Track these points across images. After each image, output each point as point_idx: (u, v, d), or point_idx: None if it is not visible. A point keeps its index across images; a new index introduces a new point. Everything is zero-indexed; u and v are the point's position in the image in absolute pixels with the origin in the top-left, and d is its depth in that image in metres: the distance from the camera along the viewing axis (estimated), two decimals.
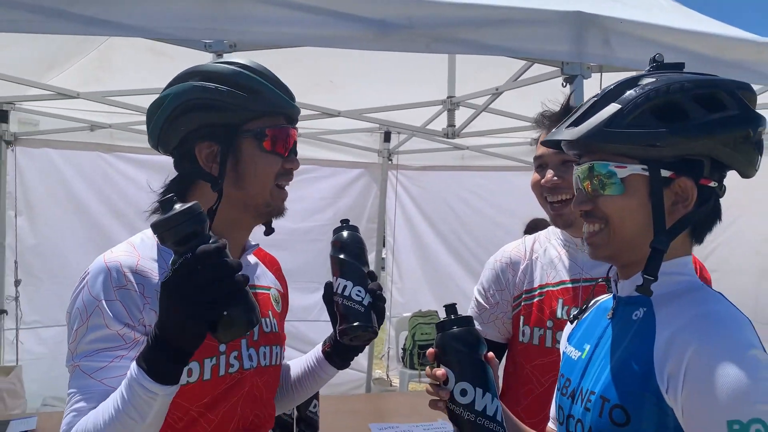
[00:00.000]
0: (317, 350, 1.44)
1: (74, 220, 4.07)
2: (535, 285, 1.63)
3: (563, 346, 1.16)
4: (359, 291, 1.25)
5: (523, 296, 1.64)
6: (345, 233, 1.36)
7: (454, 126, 3.51)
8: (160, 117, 1.18)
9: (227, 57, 1.47)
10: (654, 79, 0.94)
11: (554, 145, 1.03)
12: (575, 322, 1.13)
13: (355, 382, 4.61)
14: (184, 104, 1.15)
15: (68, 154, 4.03)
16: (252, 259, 1.38)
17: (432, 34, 2.13)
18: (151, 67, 3.27)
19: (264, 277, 1.37)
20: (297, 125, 1.29)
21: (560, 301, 1.57)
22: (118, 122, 3.90)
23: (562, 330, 1.28)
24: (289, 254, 4.37)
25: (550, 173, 1.56)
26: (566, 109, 1.59)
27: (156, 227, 0.90)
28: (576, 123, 0.96)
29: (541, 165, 1.61)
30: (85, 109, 3.68)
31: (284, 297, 1.44)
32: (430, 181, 4.81)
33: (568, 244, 1.63)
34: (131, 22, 1.98)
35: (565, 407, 1.04)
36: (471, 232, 4.81)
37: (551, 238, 1.68)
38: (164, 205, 0.91)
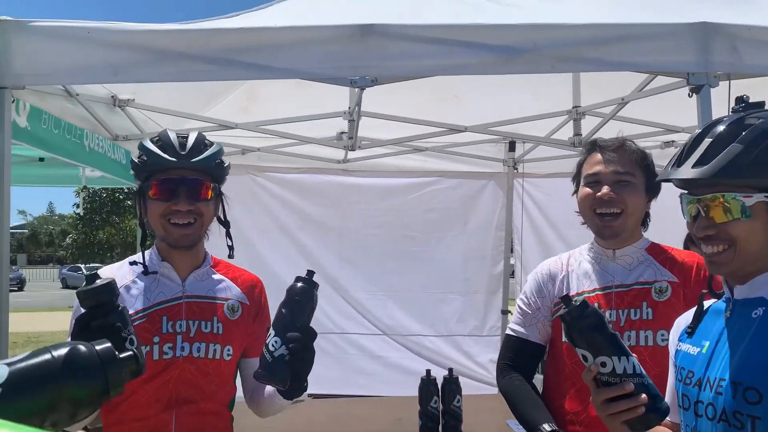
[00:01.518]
0: None
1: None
2: (572, 293, 1.86)
3: (674, 345, 1.35)
4: (276, 342, 1.47)
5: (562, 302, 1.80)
6: (296, 285, 1.54)
7: (581, 135, 3.58)
8: None
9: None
10: (759, 119, 1.14)
11: (682, 183, 1.22)
12: (694, 327, 1.27)
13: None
14: (131, 168, 1.78)
15: None
16: (216, 275, 1.82)
17: (556, 55, 2.26)
18: (294, 97, 3.64)
19: (226, 291, 1.78)
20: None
21: (596, 305, 1.73)
22: (265, 146, 4.31)
23: None
24: (424, 264, 4.62)
25: (606, 188, 1.78)
26: (623, 141, 1.86)
27: (78, 295, 1.28)
28: (701, 162, 1.15)
29: (595, 182, 1.82)
30: (238, 135, 4.12)
31: (247, 308, 1.80)
32: (556, 188, 4.83)
33: (599, 256, 1.88)
34: (287, 65, 2.28)
35: (692, 395, 1.22)
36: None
37: (584, 253, 1.94)
38: (88, 278, 1.29)
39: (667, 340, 1.46)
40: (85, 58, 2.23)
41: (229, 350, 1.73)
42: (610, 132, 3.71)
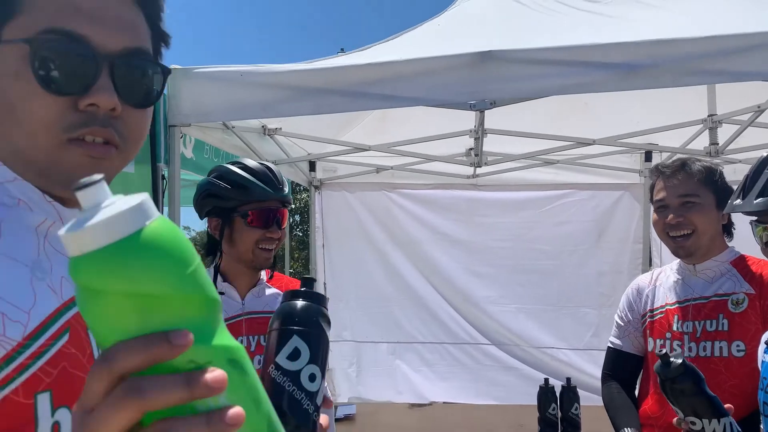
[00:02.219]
0: None
1: (365, 248, 4.81)
2: (657, 306, 2.00)
3: (761, 356, 1.38)
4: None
5: (647, 315, 1.97)
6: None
7: (717, 144, 3.45)
8: (194, 197, 1.88)
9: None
10: None
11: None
12: None
13: None
14: (203, 192, 1.85)
15: (359, 194, 4.80)
16: (270, 290, 1.89)
17: (678, 69, 2.26)
18: (423, 118, 3.85)
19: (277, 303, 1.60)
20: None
21: (675, 317, 1.93)
22: (398, 164, 4.56)
23: (679, 339, 1.74)
24: (555, 278, 4.61)
25: (671, 215, 1.86)
26: (683, 164, 1.94)
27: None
28: (762, 194, 1.25)
29: (662, 207, 1.90)
30: (372, 155, 4.40)
31: None
32: None
33: (683, 271, 1.98)
34: (412, 94, 2.47)
35: None
36: (741, 246, 4.52)
37: (673, 268, 2.04)
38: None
39: (743, 351, 1.48)
40: (238, 97, 2.57)
41: None
42: (748, 140, 3.57)
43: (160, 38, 0.78)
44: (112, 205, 0.42)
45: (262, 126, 3.64)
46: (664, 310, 1.98)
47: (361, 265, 4.75)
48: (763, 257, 1.93)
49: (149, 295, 0.42)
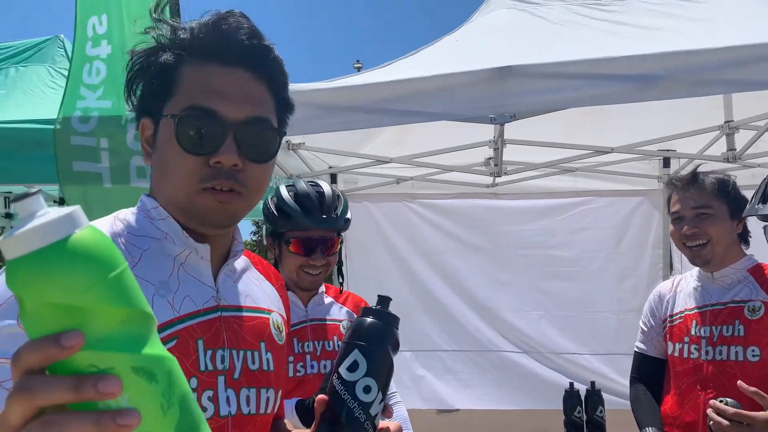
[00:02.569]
0: None
1: (386, 258, 4.87)
2: (677, 311, 2.11)
3: None
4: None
5: (668, 320, 2.07)
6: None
7: (735, 150, 3.48)
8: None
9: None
10: None
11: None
12: None
13: None
14: (263, 212, 1.96)
15: (380, 204, 4.88)
16: (327, 299, 1.93)
17: (692, 80, 2.31)
18: (442, 129, 3.91)
19: (338, 313, 1.53)
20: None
21: (694, 321, 2.04)
22: (417, 175, 4.63)
23: (697, 343, 1.86)
24: (576, 284, 4.66)
25: (686, 227, 1.94)
26: (695, 176, 2.02)
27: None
28: None
29: (678, 218, 1.98)
30: (392, 166, 4.48)
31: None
32: None
33: (702, 278, 2.07)
34: (433, 110, 2.55)
35: None
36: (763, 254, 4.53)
37: (693, 275, 2.14)
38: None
39: (758, 356, 1.55)
40: None
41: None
42: (765, 145, 3.59)
43: (285, 107, 0.99)
44: (43, 216, 0.46)
45: (286, 141, 3.74)
46: (683, 315, 2.08)
47: (384, 275, 4.82)
48: None
49: (61, 303, 0.45)
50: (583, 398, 2.50)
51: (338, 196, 1.95)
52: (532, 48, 2.80)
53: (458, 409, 3.80)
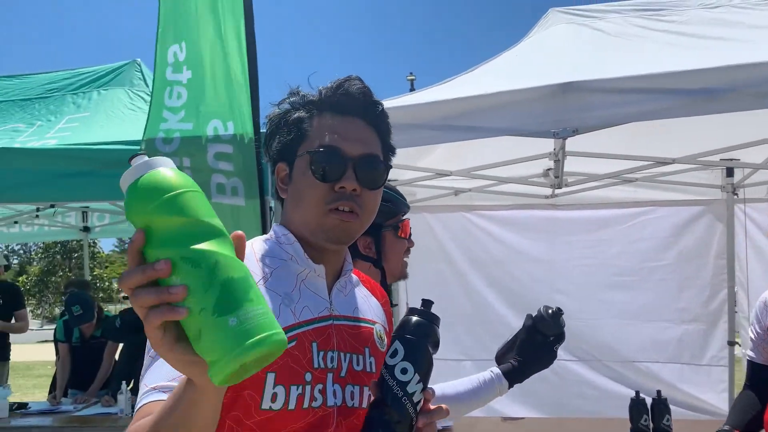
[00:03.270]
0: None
1: (445, 268, 4.94)
2: None
3: None
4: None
5: None
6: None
7: None
8: None
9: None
10: None
11: None
12: None
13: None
14: None
15: (438, 216, 4.97)
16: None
17: (757, 93, 2.33)
18: (500, 142, 3.98)
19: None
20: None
21: None
22: (475, 186, 4.70)
23: None
24: (637, 294, 4.63)
25: None
26: None
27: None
28: None
29: None
30: (450, 178, 4.56)
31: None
32: None
33: None
34: (497, 125, 2.64)
35: None
36: None
37: None
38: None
39: None
40: None
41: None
42: None
43: (388, 150, 1.22)
44: (141, 162, 0.73)
45: None
46: None
47: (442, 286, 4.88)
48: None
49: (141, 215, 0.71)
50: (649, 407, 2.52)
51: None
52: (593, 62, 2.85)
53: (523, 417, 3.83)
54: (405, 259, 1.97)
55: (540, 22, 3.57)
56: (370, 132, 1.16)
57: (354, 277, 1.27)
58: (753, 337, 2.21)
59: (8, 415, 4.14)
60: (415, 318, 1.05)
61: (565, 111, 2.54)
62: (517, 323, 5.13)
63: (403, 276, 2.00)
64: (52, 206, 5.46)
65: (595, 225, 4.74)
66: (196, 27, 2.97)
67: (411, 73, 16.59)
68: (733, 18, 3.11)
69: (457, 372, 4.93)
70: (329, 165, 1.10)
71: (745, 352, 2.28)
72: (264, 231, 2.78)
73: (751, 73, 2.33)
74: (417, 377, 1.00)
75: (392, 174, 4.42)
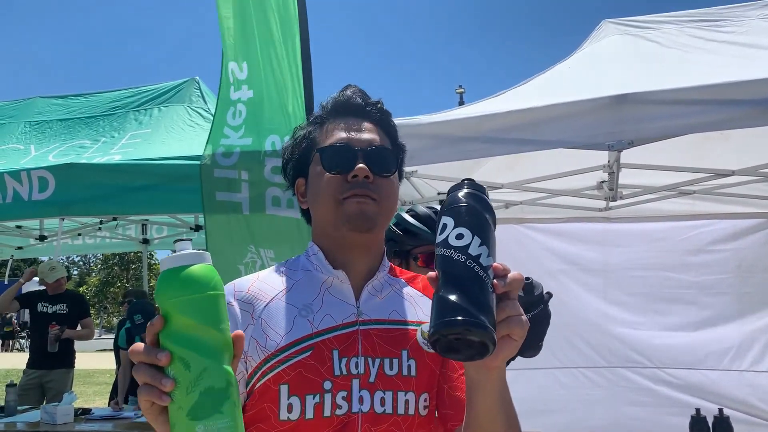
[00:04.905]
0: None
1: None
2: None
3: None
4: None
5: None
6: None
7: None
8: None
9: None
10: None
11: None
12: None
13: None
14: (385, 237, 2.07)
15: None
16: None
17: None
18: (553, 154, 3.96)
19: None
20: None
21: None
22: (526, 199, 4.68)
23: None
24: (696, 307, 4.52)
25: None
26: None
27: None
28: None
29: None
30: (502, 191, 4.55)
31: None
32: None
33: None
34: (550, 138, 2.64)
35: None
36: None
37: None
38: None
39: None
40: None
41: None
42: None
43: (396, 144, 1.25)
44: (179, 253, 0.80)
45: None
46: None
47: None
48: None
49: (161, 303, 0.79)
50: (711, 425, 2.46)
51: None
52: (648, 74, 2.83)
53: None
54: None
55: (593, 34, 3.55)
56: (375, 129, 1.20)
57: (397, 279, 1.21)
58: None
59: (73, 420, 4.31)
60: (458, 191, 0.86)
61: (620, 123, 2.52)
62: (570, 334, 5.06)
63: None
64: (115, 219, 5.67)
65: (651, 237, 4.66)
66: (255, 47, 3.08)
67: (460, 86, 16.57)
68: None
69: (515, 381, 4.91)
70: (340, 157, 1.13)
71: None
72: None
73: None
74: (478, 240, 0.81)
75: (443, 187, 4.44)
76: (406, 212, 2.17)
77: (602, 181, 4.08)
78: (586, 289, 4.71)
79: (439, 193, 4.61)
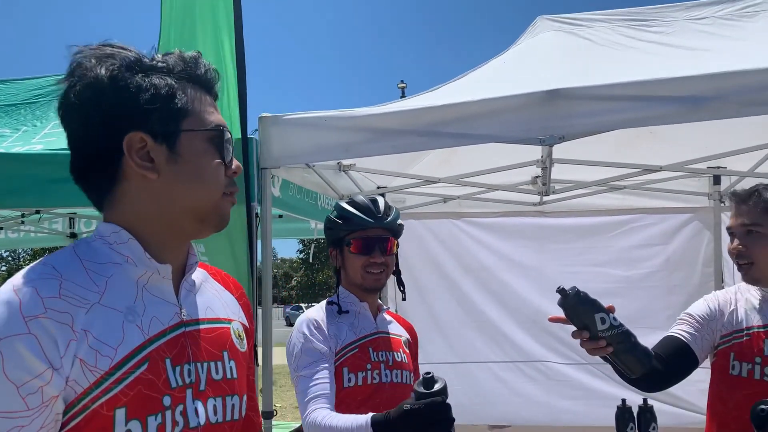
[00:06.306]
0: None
1: (435, 274, 4.94)
2: (743, 327, 1.96)
3: None
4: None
5: (734, 335, 1.98)
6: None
7: None
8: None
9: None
10: None
11: None
12: None
13: None
14: (324, 226, 2.15)
15: (427, 223, 4.96)
16: (388, 317, 2.17)
17: (742, 101, 2.34)
18: (489, 149, 3.98)
19: (398, 330, 1.88)
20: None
21: (766, 341, 1.91)
22: (464, 193, 4.70)
23: None
24: (625, 301, 4.62)
25: (735, 242, 1.89)
26: (753, 192, 1.95)
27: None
28: None
29: (730, 233, 1.93)
30: (439, 186, 4.56)
31: (411, 345, 1.85)
32: None
33: (766, 294, 1.96)
34: (484, 132, 2.64)
35: None
36: None
37: (750, 290, 2.02)
38: (426, 382, 1.49)
39: None
40: (323, 140, 2.80)
41: (411, 376, 2.11)
42: None
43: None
44: None
45: (338, 163, 3.87)
46: (750, 332, 1.94)
47: (431, 292, 4.88)
48: None
49: None
50: (635, 414, 2.51)
51: (390, 205, 2.14)
52: (580, 70, 2.86)
53: (510, 425, 3.82)
54: (372, 270, 2.05)
55: (528, 30, 3.58)
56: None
57: (202, 271, 1.12)
58: (689, 320, 2.04)
59: None
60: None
61: (552, 118, 2.54)
62: (507, 327, 5.12)
63: (368, 287, 2.08)
64: (38, 212, 5.40)
65: (583, 232, 4.76)
66: (194, 38, 2.97)
67: (402, 81, 16.63)
68: (718, 30, 3.14)
69: (450, 375, 4.95)
70: (227, 147, 1.02)
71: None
72: (250, 238, 2.77)
73: (736, 81, 2.34)
74: None
75: (382, 181, 4.42)
76: (345, 201, 2.16)
77: (536, 177, 4.14)
78: (521, 285, 4.78)
79: (378, 187, 4.59)
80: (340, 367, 1.96)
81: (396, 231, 2.12)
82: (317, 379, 1.87)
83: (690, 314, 2.07)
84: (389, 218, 2.07)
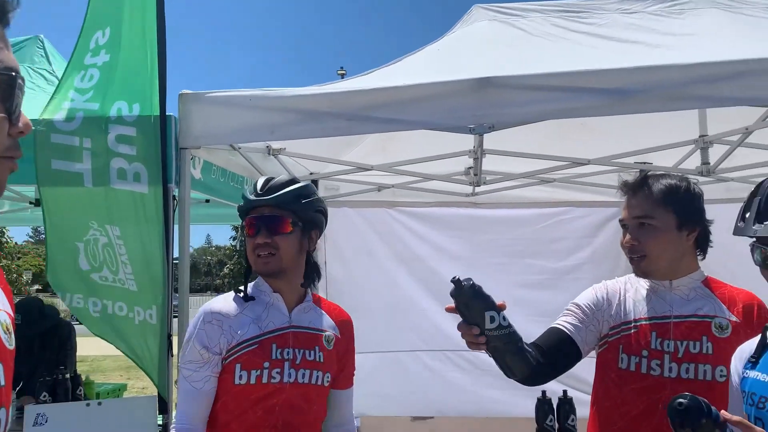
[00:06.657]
0: None
1: (367, 263, 4.89)
2: (630, 318, 1.88)
3: (739, 373, 1.46)
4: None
5: (622, 327, 1.90)
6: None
7: (709, 164, 3.56)
8: None
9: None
10: None
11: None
12: (758, 356, 1.38)
13: None
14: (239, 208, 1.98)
15: (361, 211, 4.90)
16: (316, 309, 2.03)
17: (667, 95, 2.37)
18: (424, 137, 3.94)
19: (324, 323, 1.98)
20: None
21: (653, 334, 1.84)
22: (399, 182, 4.66)
23: (658, 359, 1.67)
24: (553, 293, 4.70)
25: (628, 236, 1.83)
26: (643, 182, 1.89)
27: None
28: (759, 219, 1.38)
29: (623, 226, 1.87)
30: (374, 174, 4.50)
31: (339, 341, 2.00)
32: None
33: (655, 286, 1.89)
34: (415, 118, 2.58)
35: (766, 419, 1.33)
36: (729, 266, 4.63)
37: (639, 281, 1.93)
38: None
39: (725, 376, 1.54)
40: (247, 120, 2.68)
41: (327, 377, 1.92)
42: (739, 160, 3.68)
43: None
44: None
45: (267, 146, 3.74)
46: (638, 325, 1.87)
47: (363, 280, 4.83)
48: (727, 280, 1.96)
49: None
50: (555, 406, 2.53)
51: (293, 180, 1.92)
52: (512, 60, 2.84)
53: (433, 417, 3.81)
54: (259, 254, 1.86)
55: (464, 18, 3.55)
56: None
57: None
58: (576, 311, 1.96)
59: None
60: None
61: (482, 107, 2.51)
62: (437, 317, 5.12)
63: (260, 272, 1.91)
64: None
65: (512, 224, 4.80)
66: (120, 12, 2.81)
67: (341, 68, 16.48)
68: (648, 24, 3.17)
69: (380, 364, 4.92)
70: (17, 95, 0.85)
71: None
72: (166, 220, 2.63)
73: (661, 76, 2.36)
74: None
75: (314, 167, 4.32)
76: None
77: (469, 167, 4.13)
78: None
79: (311, 173, 4.48)
80: (233, 363, 1.82)
81: (293, 208, 1.86)
82: (191, 399, 1.85)
83: (577, 304, 1.99)
84: (275, 194, 1.84)
